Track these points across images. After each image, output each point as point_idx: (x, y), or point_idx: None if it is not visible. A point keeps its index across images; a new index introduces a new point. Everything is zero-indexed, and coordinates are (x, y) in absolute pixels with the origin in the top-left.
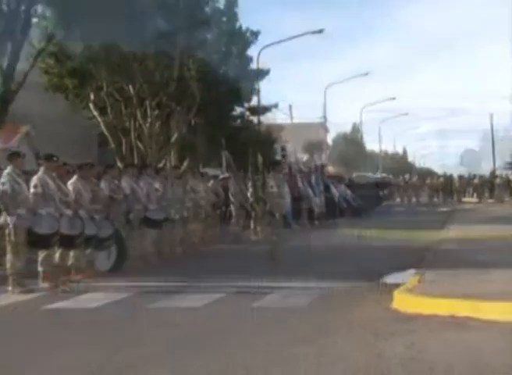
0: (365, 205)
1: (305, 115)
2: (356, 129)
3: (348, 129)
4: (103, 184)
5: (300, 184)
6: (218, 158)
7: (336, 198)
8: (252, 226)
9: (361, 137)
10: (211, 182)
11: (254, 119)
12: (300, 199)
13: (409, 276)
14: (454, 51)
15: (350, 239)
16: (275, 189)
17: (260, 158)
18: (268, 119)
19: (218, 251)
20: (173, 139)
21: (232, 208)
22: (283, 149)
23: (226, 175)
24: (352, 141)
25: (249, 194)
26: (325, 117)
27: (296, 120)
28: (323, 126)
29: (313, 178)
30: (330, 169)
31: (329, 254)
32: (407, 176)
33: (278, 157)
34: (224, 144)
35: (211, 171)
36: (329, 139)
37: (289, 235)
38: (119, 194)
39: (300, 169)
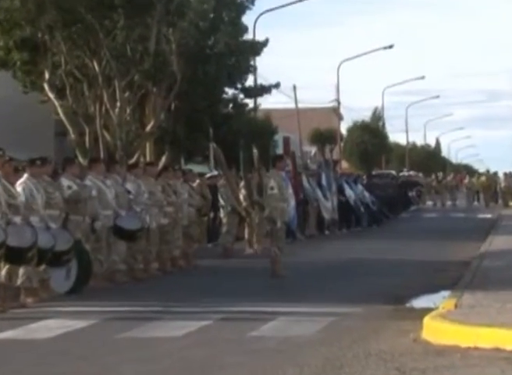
0: (388, 210)
1: (313, 98)
2: (376, 116)
3: (367, 116)
4: (61, 184)
5: (306, 184)
6: (205, 153)
7: (352, 202)
8: (247, 236)
9: (383, 125)
10: (197, 182)
11: (250, 103)
12: (306, 203)
13: (442, 300)
14: (495, 21)
15: (369, 252)
16: (276, 191)
17: (256, 153)
18: (266, 103)
19: (204, 267)
20: (149, 128)
21: (222, 214)
22: (286, 141)
23: (215, 173)
24: (371, 131)
25: (242, 197)
26: (337, 101)
27: (302, 105)
28: (335, 112)
29: (323, 177)
30: (344, 165)
31: (343, 271)
32: (440, 174)
33: (279, 151)
34: (212, 135)
35: (196, 168)
36: (343, 128)
37: (294, 248)
38: (81, 196)
39: (306, 166)
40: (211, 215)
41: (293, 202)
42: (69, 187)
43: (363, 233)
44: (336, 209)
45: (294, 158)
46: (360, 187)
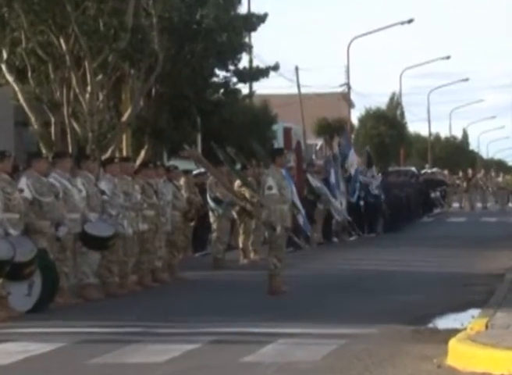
0: (407, 214)
1: (319, 82)
2: (394, 102)
3: (382, 103)
4: (22, 183)
5: (316, 183)
6: (192, 146)
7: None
8: (241, 244)
9: (401, 114)
10: (182, 180)
11: (244, 88)
12: (313, 205)
13: (471, 319)
14: None
15: (384, 264)
16: (275, 190)
17: (256, 146)
18: (264, 88)
19: (190, 281)
20: (125, 117)
21: (211, 218)
22: (287, 132)
23: (202, 170)
24: (388, 121)
25: (248, 194)
26: (347, 85)
27: (305, 90)
28: (345, 99)
29: (332, 174)
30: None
31: (354, 286)
32: (469, 171)
33: (279, 144)
34: (200, 125)
35: (181, 164)
36: (355, 117)
37: (296, 259)
38: (45, 197)
39: (311, 162)
40: (200, 219)
41: (298, 203)
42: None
43: (377, 241)
44: (345, 212)
45: (300, 151)
46: (373, 185)
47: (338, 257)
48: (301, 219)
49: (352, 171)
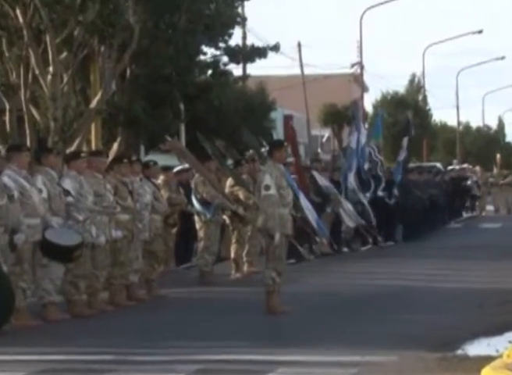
0: (430, 219)
1: (326, 62)
2: (414, 86)
3: (401, 86)
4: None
5: (324, 183)
6: (174, 137)
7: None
8: (233, 255)
9: (424, 99)
10: (161, 179)
11: (237, 69)
12: (321, 209)
13: (508, 345)
14: None
15: (404, 278)
16: (273, 191)
17: (249, 137)
18: (260, 68)
19: (172, 299)
20: (94, 103)
21: (198, 224)
22: (287, 121)
23: (186, 166)
24: (408, 107)
25: (242, 196)
26: (360, 65)
27: (310, 70)
28: (357, 81)
29: (348, 183)
30: None
31: (368, 305)
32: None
33: (277, 134)
34: (183, 113)
35: (161, 159)
36: (369, 103)
37: (299, 272)
38: None
39: (317, 157)
40: (183, 224)
41: (308, 204)
42: None
43: (395, 251)
44: (357, 216)
45: (294, 140)
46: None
47: (349, 270)
48: (314, 221)
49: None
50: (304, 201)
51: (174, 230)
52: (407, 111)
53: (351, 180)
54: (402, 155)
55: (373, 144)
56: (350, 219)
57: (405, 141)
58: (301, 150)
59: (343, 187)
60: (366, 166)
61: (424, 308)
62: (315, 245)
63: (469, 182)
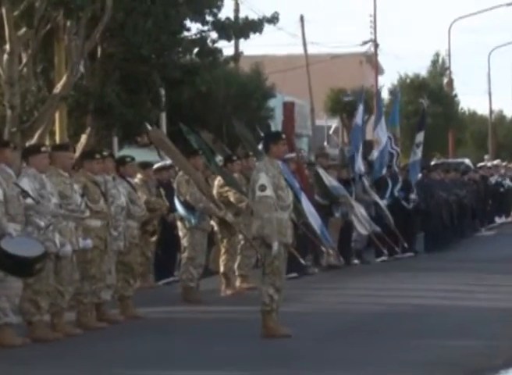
0: (457, 225)
1: (333, 39)
2: (438, 67)
3: (422, 67)
4: None
5: (326, 180)
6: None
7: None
8: (222, 268)
9: (450, 83)
10: (138, 178)
11: (228, 47)
12: (329, 213)
13: None
14: None
15: (426, 296)
16: (270, 191)
17: (241, 128)
18: (256, 46)
19: (151, 320)
20: (58, 88)
21: (181, 231)
22: (288, 108)
23: (167, 162)
24: (430, 93)
25: (233, 198)
26: (374, 43)
27: (314, 50)
28: (370, 62)
29: (357, 168)
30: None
31: (383, 327)
32: None
33: (276, 125)
34: (164, 100)
35: (138, 154)
36: (383, 87)
37: (302, 287)
38: None
39: (323, 152)
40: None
41: (311, 209)
42: None
43: (416, 264)
44: (370, 222)
45: (291, 130)
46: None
47: (361, 286)
48: (317, 228)
49: (376, 153)
50: (307, 204)
51: (153, 239)
52: (422, 98)
53: (359, 165)
54: (418, 154)
55: (389, 132)
56: (362, 225)
57: (421, 136)
58: (304, 143)
59: (354, 188)
60: (384, 171)
61: (450, 331)
62: (321, 256)
63: (503, 181)
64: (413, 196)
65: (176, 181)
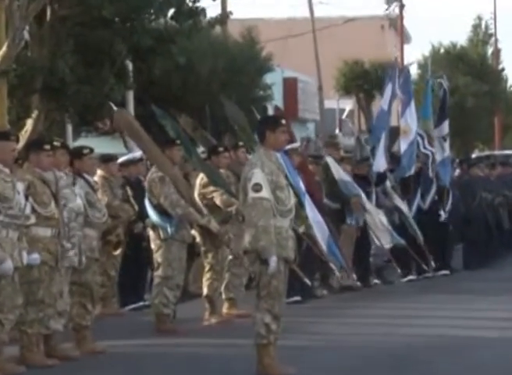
0: (504, 234)
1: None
2: (480, 35)
3: (460, 35)
4: None
5: (336, 174)
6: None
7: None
8: (206, 290)
9: (495, 55)
10: (99, 175)
11: (214, 7)
12: (340, 220)
13: None
14: None
15: (464, 326)
16: (266, 192)
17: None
18: (250, 8)
19: (116, 355)
20: None
21: (153, 243)
22: (290, 86)
23: (137, 154)
24: (471, 67)
25: (219, 201)
26: (399, 3)
27: (323, 12)
28: (394, 27)
29: (378, 164)
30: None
31: (411, 364)
32: None
33: (272, 109)
34: (132, 76)
35: (99, 145)
36: (411, 59)
37: (308, 315)
38: None
39: (332, 142)
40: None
41: (316, 216)
42: None
43: (451, 284)
44: (390, 231)
45: (292, 114)
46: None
47: (382, 313)
48: (323, 242)
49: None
50: (312, 211)
51: (118, 252)
52: (439, 76)
53: (381, 160)
54: (446, 149)
55: (420, 129)
56: (383, 236)
57: (445, 127)
58: (310, 131)
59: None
60: (413, 169)
61: (497, 370)
62: (331, 275)
63: None
64: (449, 203)
65: (148, 179)
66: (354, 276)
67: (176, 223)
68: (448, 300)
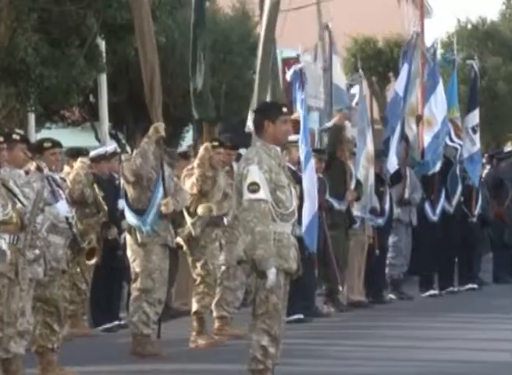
0: None
1: None
2: None
3: (490, 9)
4: None
5: (351, 167)
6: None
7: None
8: (195, 306)
9: None
10: (66, 172)
11: None
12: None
13: None
14: None
15: (492, 347)
16: (263, 194)
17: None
18: None
19: None
20: None
21: (130, 249)
22: (290, 66)
23: (109, 148)
24: (503, 46)
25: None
26: None
27: None
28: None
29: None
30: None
31: None
32: None
33: (272, 96)
34: (104, 57)
35: (66, 137)
36: (433, 38)
37: (312, 336)
38: None
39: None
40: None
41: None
42: None
43: (480, 301)
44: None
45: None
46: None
47: (397, 334)
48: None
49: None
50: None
51: (92, 262)
52: (468, 57)
53: (393, 157)
54: (477, 143)
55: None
56: (361, 202)
57: (475, 116)
58: (313, 120)
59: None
60: (438, 166)
61: None
62: (339, 290)
63: None
64: (478, 206)
65: (122, 172)
66: (361, 287)
67: (152, 217)
68: (476, 319)
